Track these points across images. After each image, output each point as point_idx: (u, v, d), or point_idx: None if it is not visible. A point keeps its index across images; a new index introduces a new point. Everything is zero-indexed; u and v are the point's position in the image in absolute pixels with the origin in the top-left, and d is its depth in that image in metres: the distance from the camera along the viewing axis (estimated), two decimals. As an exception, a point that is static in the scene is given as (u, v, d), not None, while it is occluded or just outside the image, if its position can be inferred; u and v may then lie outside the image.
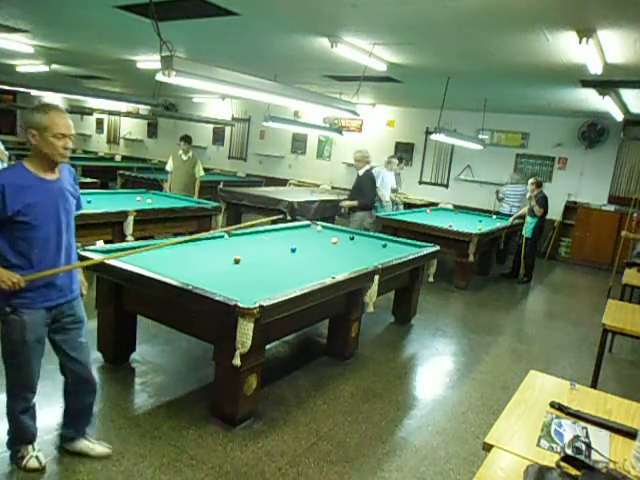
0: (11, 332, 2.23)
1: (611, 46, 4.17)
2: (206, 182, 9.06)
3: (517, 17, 3.75)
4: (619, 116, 7.44)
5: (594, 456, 1.59)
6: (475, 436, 3.09)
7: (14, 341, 2.25)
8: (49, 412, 2.89)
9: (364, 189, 6.22)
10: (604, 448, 1.65)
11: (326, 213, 8.31)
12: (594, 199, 9.02)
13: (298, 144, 12.23)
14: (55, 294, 2.31)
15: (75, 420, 2.55)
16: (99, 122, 15.94)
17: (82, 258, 3.35)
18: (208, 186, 8.96)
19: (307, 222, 5.76)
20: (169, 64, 3.00)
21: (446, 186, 10.46)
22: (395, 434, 3.08)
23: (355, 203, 6.22)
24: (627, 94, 6.36)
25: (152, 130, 14.78)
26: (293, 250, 4.20)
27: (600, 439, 1.71)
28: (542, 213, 7.12)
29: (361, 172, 6.26)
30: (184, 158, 7.34)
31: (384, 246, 4.92)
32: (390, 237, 5.44)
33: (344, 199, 6.45)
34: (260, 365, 2.92)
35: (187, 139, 7.48)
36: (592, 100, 6.77)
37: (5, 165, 6.77)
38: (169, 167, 7.47)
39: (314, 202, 7.97)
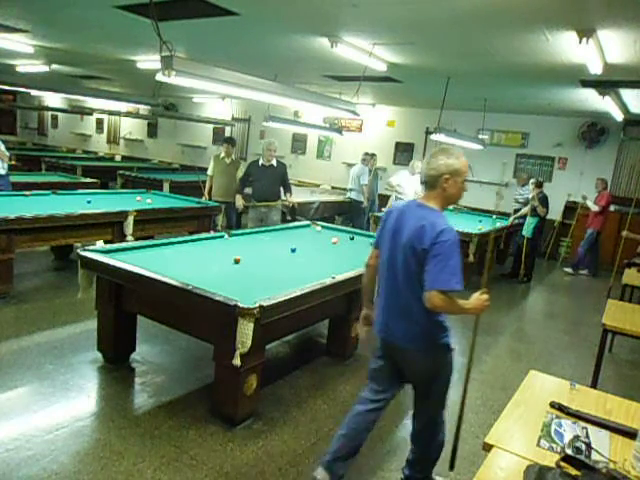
0: (449, 372, 2.35)
1: (611, 46, 4.17)
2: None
3: (517, 17, 3.75)
4: (619, 116, 7.44)
5: (594, 456, 1.59)
6: (475, 436, 3.09)
7: (449, 380, 2.36)
8: (49, 412, 2.89)
9: (287, 180, 6.05)
10: (604, 448, 1.65)
11: (326, 213, 8.31)
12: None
13: (298, 144, 12.22)
14: None
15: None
16: (99, 122, 15.94)
17: (82, 258, 3.37)
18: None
19: (307, 222, 5.76)
20: (169, 64, 2.99)
21: (446, 186, 10.44)
22: (395, 434, 3.08)
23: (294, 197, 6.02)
24: (627, 94, 6.36)
25: (152, 130, 14.78)
26: (293, 250, 4.19)
27: (600, 439, 1.71)
28: (545, 213, 7.13)
29: (275, 162, 5.99)
30: (227, 161, 7.09)
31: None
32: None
33: (284, 198, 6.02)
34: (260, 365, 2.92)
35: (231, 141, 7.25)
36: (592, 100, 6.77)
37: (5, 165, 6.80)
38: (210, 171, 7.18)
39: (314, 202, 7.97)
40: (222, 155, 7.14)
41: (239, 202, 6.11)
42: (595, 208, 7.90)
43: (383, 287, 2.34)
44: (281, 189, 6.15)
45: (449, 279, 2.04)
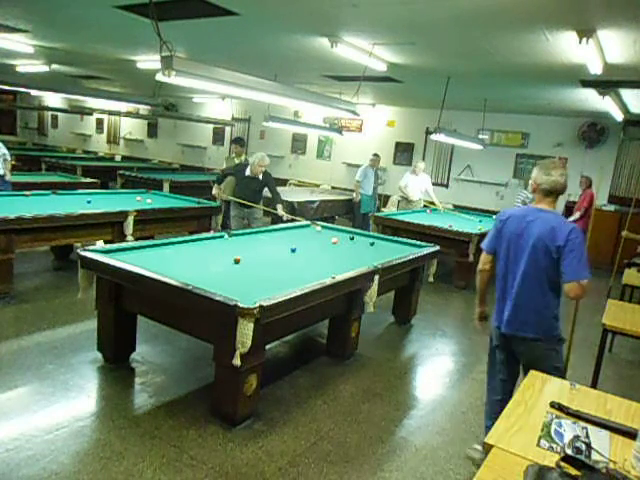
0: (559, 360, 2.60)
1: (611, 46, 4.17)
2: (206, 182, 9.06)
3: (517, 17, 3.75)
4: (619, 116, 7.44)
5: (594, 456, 1.59)
6: (475, 436, 3.08)
7: (556, 368, 2.56)
8: (49, 412, 2.89)
9: (274, 189, 6.03)
10: (604, 448, 1.65)
11: (326, 213, 8.33)
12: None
13: (298, 144, 12.22)
14: None
15: None
16: (99, 122, 15.94)
17: (82, 258, 3.37)
18: (208, 186, 8.94)
19: (307, 222, 5.76)
20: (169, 64, 3.00)
21: (446, 186, 10.46)
22: (395, 434, 3.08)
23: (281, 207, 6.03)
24: (627, 94, 6.36)
25: (152, 130, 14.78)
26: (293, 250, 4.20)
27: (600, 439, 1.70)
28: None
29: (261, 176, 5.93)
30: (236, 162, 7.09)
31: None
32: (390, 237, 5.45)
33: (277, 209, 5.96)
34: (260, 365, 2.92)
35: (239, 141, 7.34)
36: (592, 100, 6.77)
37: (5, 165, 6.82)
38: None
39: (314, 202, 7.98)
40: (232, 155, 7.31)
41: (215, 190, 6.12)
42: (576, 216, 7.67)
43: (504, 285, 2.63)
44: (265, 191, 6.14)
45: (586, 271, 2.39)
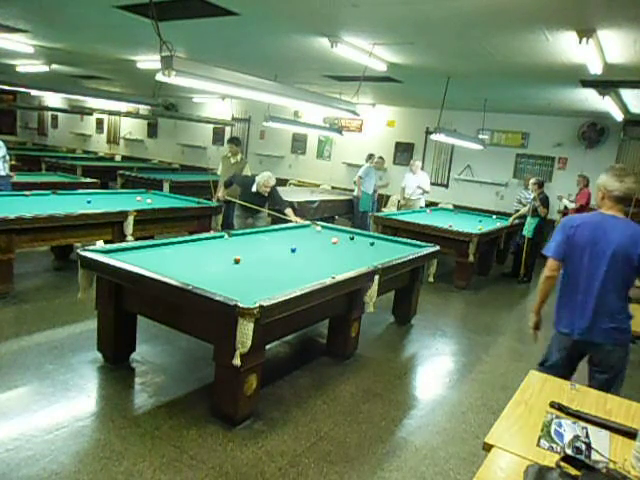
0: (627, 363, 2.68)
1: (611, 46, 4.17)
2: (206, 182, 9.07)
3: (517, 17, 3.75)
4: (619, 116, 7.43)
5: (594, 456, 1.59)
6: (475, 436, 3.09)
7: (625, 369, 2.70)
8: (49, 412, 2.89)
9: (279, 198, 6.00)
10: (604, 448, 1.65)
11: (326, 213, 8.33)
12: (595, 199, 9.00)
13: (298, 144, 12.22)
14: None
15: None
16: (99, 122, 15.93)
17: (82, 258, 3.37)
18: (208, 186, 8.95)
19: (307, 222, 5.76)
20: (169, 64, 3.00)
21: (446, 186, 10.46)
22: (395, 434, 3.08)
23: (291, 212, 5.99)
24: (627, 94, 6.36)
25: (152, 130, 14.78)
26: (293, 250, 4.20)
27: (600, 439, 1.70)
28: (545, 213, 7.12)
29: (266, 194, 5.85)
30: (232, 161, 7.19)
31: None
32: (390, 237, 5.45)
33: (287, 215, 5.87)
34: (260, 365, 2.92)
35: (235, 141, 7.38)
36: (592, 100, 6.77)
37: (6, 165, 6.81)
38: (219, 171, 7.38)
39: (314, 202, 7.99)
40: (228, 155, 7.30)
41: (221, 193, 6.17)
42: (572, 206, 7.88)
43: (576, 292, 2.64)
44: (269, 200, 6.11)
45: None
